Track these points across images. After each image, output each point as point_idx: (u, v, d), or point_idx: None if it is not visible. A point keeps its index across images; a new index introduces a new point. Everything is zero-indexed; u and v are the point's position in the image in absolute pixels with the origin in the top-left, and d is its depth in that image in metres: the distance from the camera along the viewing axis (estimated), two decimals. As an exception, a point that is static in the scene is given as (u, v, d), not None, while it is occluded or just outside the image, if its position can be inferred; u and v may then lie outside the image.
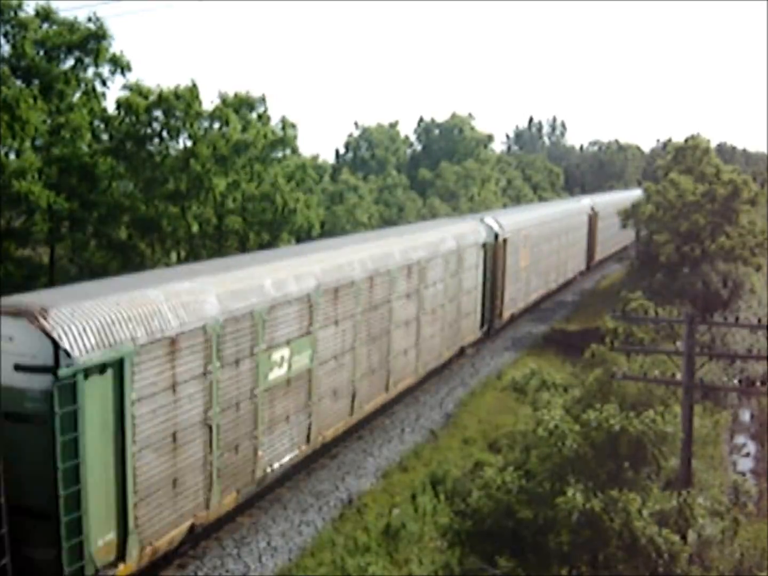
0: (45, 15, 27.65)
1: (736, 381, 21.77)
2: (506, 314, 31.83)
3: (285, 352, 16.08)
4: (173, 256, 31.06)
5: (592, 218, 48.57)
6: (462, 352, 27.81)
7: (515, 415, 20.53)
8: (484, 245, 28.25)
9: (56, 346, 10.96)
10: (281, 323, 15.85)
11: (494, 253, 29.30)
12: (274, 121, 33.09)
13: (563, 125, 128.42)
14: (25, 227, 26.62)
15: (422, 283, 22.97)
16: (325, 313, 17.54)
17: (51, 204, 25.73)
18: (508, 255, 30.97)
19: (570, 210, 44.53)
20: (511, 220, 32.08)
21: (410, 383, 23.26)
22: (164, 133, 29.49)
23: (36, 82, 27.18)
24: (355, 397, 19.48)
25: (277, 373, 15.86)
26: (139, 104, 28.59)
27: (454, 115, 64.00)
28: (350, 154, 61.15)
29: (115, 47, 28.34)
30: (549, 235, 38.12)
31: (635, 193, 58.83)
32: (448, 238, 25.30)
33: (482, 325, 29.18)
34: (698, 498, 12.83)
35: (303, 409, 17.08)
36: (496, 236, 29.36)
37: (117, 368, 11.77)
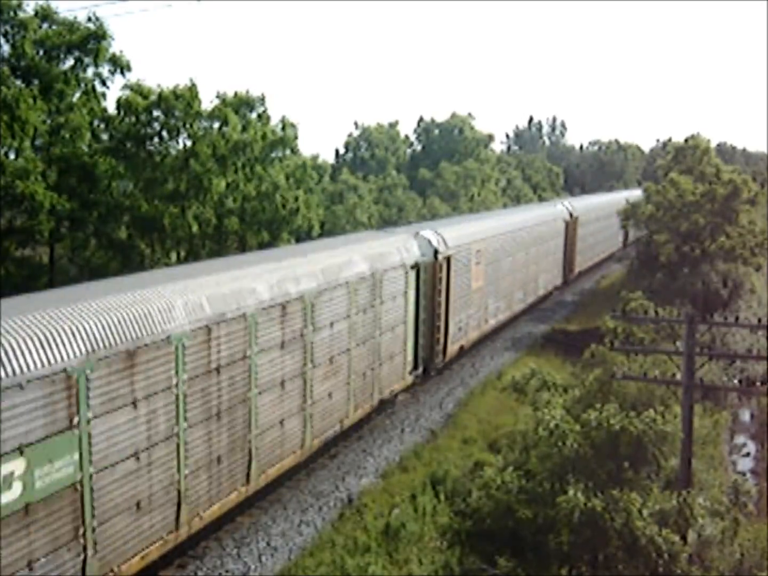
0: (44, 15, 27.67)
1: (736, 381, 21.80)
2: (453, 348, 26.32)
3: (16, 465, 10.57)
4: (173, 256, 31.07)
5: (570, 225, 42.81)
6: (384, 403, 22.05)
7: (515, 415, 20.54)
8: (415, 266, 22.72)
9: None
10: (3, 422, 10.33)
11: (433, 274, 23.90)
12: (274, 121, 33.18)
13: (563, 125, 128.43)
14: (27, 227, 26.60)
15: (310, 325, 17.23)
16: (110, 392, 11.89)
17: (53, 204, 25.74)
18: (454, 276, 25.56)
19: (541, 216, 38.56)
20: (459, 233, 26.61)
21: (293, 463, 17.37)
22: (164, 133, 29.51)
23: (36, 82, 27.19)
24: (183, 504, 13.64)
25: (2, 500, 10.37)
26: (139, 104, 28.61)
27: (454, 115, 64.07)
28: (350, 154, 61.23)
29: (114, 47, 28.42)
30: (513, 248, 32.61)
31: (622, 195, 57.54)
32: (356, 260, 19.64)
33: (416, 366, 23.66)
34: (698, 498, 12.85)
35: (68, 543, 11.44)
36: (436, 253, 23.93)
37: None
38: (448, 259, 24.85)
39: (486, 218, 33.11)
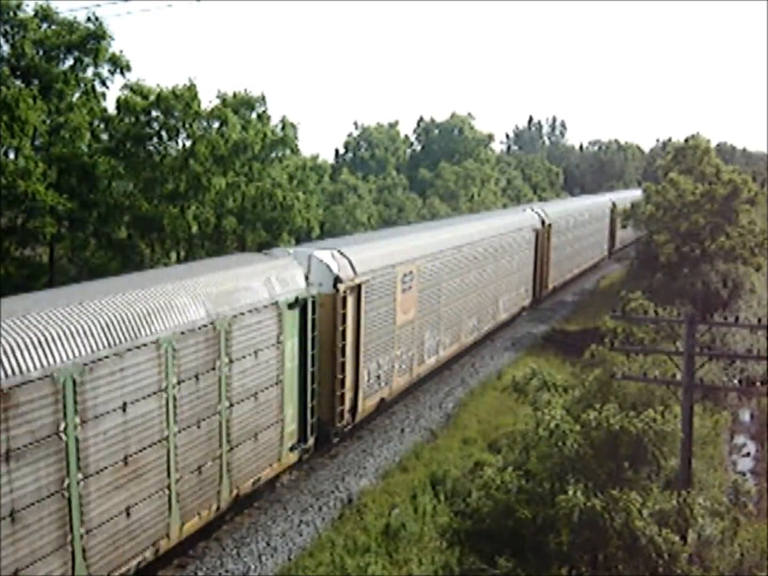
0: (44, 15, 27.66)
1: (736, 381, 21.83)
2: (368, 403, 20.66)
3: None
4: (173, 256, 31.06)
5: (542, 234, 36.93)
6: (247, 497, 16.06)
7: (515, 415, 20.55)
8: (298, 303, 16.76)
9: None
10: None
11: (332, 311, 18.22)
12: (274, 121, 33.16)
13: (563, 125, 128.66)
14: (30, 228, 26.57)
15: (74, 415, 11.09)
16: None
17: (54, 204, 25.73)
18: (366, 310, 19.82)
19: (502, 226, 31.95)
20: (374, 253, 20.96)
21: None
22: (163, 133, 29.49)
23: (35, 82, 27.19)
24: None
25: None
26: (138, 104, 28.59)
27: (453, 115, 64.13)
28: (350, 154, 61.26)
29: (114, 47, 28.40)
30: (461, 267, 26.65)
31: (607, 198, 56.19)
32: (180, 304, 13.50)
33: (304, 437, 17.63)
34: (698, 498, 12.85)
35: None
36: (336, 282, 18.29)
37: None
38: (357, 289, 19.25)
39: (422, 231, 26.31)
